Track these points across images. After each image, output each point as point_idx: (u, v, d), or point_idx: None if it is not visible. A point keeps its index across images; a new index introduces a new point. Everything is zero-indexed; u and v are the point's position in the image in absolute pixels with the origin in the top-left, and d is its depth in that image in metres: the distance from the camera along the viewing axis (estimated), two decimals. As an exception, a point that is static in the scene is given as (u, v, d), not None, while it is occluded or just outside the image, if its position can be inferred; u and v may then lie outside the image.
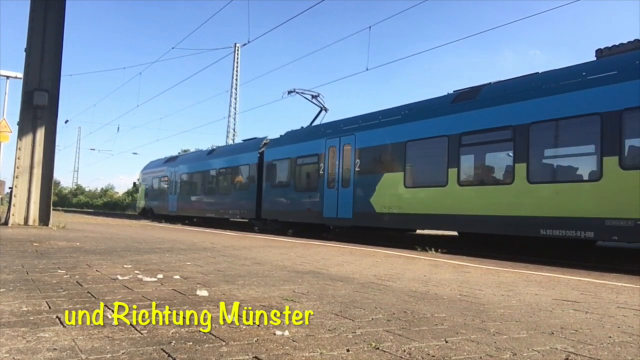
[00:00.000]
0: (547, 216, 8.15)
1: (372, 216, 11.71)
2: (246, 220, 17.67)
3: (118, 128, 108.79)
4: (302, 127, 16.22)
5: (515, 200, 8.71)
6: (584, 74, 7.97)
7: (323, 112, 16.75)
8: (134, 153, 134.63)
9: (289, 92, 17.43)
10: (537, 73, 9.26)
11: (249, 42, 20.58)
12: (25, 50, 11.36)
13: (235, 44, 37.14)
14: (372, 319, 2.64)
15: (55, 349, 1.84)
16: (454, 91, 10.76)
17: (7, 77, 20.48)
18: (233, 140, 36.64)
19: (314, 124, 16.42)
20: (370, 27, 17.66)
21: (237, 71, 37.31)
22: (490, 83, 10.12)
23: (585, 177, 7.92)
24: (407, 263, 6.09)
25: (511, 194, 8.80)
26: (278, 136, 16.85)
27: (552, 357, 2.02)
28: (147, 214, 26.60)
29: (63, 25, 11.64)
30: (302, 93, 17.15)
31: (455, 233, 11.58)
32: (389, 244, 11.21)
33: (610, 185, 7.35)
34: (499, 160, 9.49)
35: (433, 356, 1.96)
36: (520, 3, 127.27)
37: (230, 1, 20.62)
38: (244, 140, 20.44)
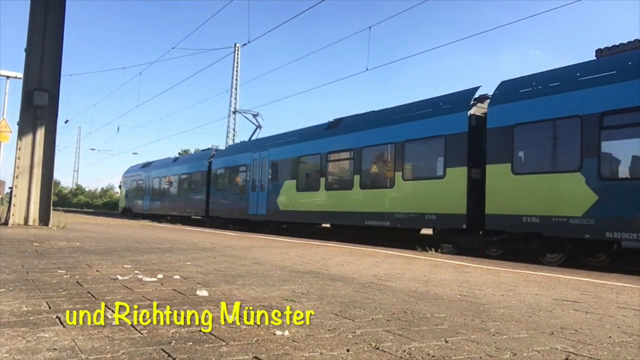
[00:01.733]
0: (369, 212, 12.06)
1: (278, 213, 15.60)
2: (199, 217, 21.37)
3: (118, 128, 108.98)
4: (240, 142, 19.90)
5: (353, 201, 12.63)
6: (398, 115, 11.92)
7: (258, 129, 20.89)
8: (134, 153, 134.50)
9: (234, 112, 22.70)
10: (374, 111, 13.32)
11: (249, 42, 20.62)
12: (25, 50, 11.36)
13: (235, 44, 37.11)
14: (372, 319, 2.64)
15: (55, 349, 1.84)
16: (329, 121, 14.69)
17: (7, 77, 20.47)
18: (233, 140, 36.66)
19: (252, 138, 20.45)
20: (370, 27, 17.73)
21: (237, 71, 37.30)
22: (350, 116, 14.13)
23: (387, 186, 11.70)
24: (407, 263, 6.09)
25: (352, 196, 12.73)
26: (223, 148, 20.98)
27: (552, 357, 2.02)
28: (126, 212, 30.27)
29: (63, 25, 11.64)
30: (243, 113, 21.57)
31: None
32: (388, 244, 11.22)
33: (398, 191, 11.30)
34: (347, 172, 13.24)
35: (433, 356, 1.96)
36: (520, 3, 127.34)
37: (230, 1, 20.64)
38: (202, 150, 24.49)
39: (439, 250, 8.34)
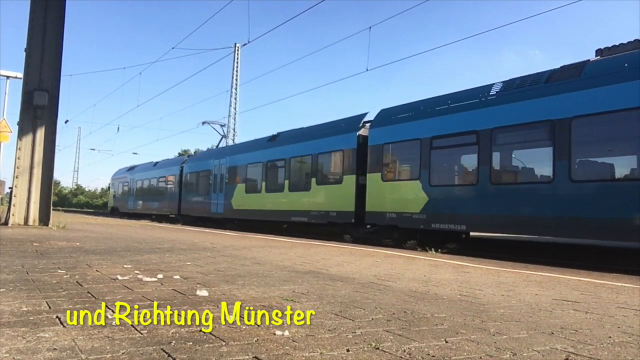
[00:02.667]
0: (294, 210, 15.09)
1: (232, 211, 18.46)
2: (173, 216, 24.16)
3: (118, 128, 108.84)
4: (207, 149, 23.42)
5: (284, 201, 15.61)
6: (316, 132, 15.13)
7: (224, 138, 25.20)
8: (134, 153, 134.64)
9: (203, 123, 25.71)
10: (302, 128, 16.32)
11: (249, 42, 20.63)
12: (25, 50, 11.36)
13: (235, 44, 37.12)
14: (372, 319, 2.64)
15: (55, 349, 1.84)
16: (272, 134, 17.46)
17: (7, 77, 20.48)
18: (233, 140, 36.68)
19: (219, 146, 24.47)
20: (370, 27, 17.77)
21: (237, 71, 37.30)
22: (286, 131, 16.94)
23: (306, 189, 14.77)
24: (407, 263, 6.09)
25: (282, 197, 15.72)
26: (195, 154, 24.95)
27: (552, 357, 2.02)
28: (114, 212, 33.06)
29: (63, 25, 11.64)
30: (212, 123, 25.44)
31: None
32: (388, 244, 11.23)
33: (313, 194, 14.44)
34: (280, 177, 16.11)
35: (433, 356, 1.96)
36: (520, 3, 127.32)
37: (231, 1, 20.64)
38: (178, 155, 28.62)
39: (439, 250, 8.36)
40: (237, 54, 36.94)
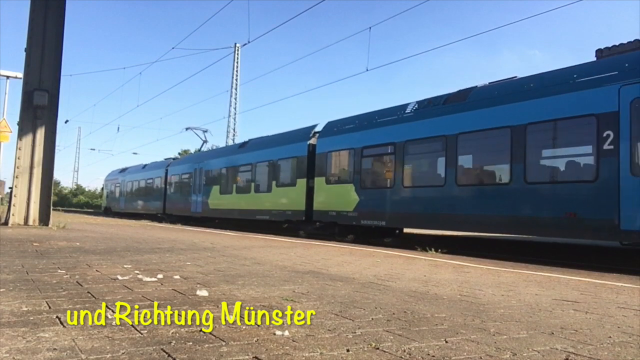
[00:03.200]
0: (259, 209, 16.95)
1: (209, 210, 20.57)
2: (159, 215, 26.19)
3: (118, 128, 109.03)
4: (189, 154, 24.96)
5: (250, 201, 17.54)
6: (275, 141, 17.13)
7: (205, 143, 27.27)
8: (134, 153, 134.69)
9: (187, 129, 28.51)
10: (268, 135, 18.43)
11: (249, 42, 20.61)
12: (25, 50, 11.36)
13: (235, 44, 37.17)
14: (372, 319, 2.64)
15: (55, 349, 1.84)
16: (243, 141, 20.09)
17: (7, 77, 20.47)
18: (233, 140, 36.68)
19: (202, 150, 26.99)
20: (370, 27, 17.81)
21: (237, 71, 37.32)
22: (255, 138, 19.11)
23: (268, 191, 16.55)
24: (407, 263, 6.09)
25: (249, 198, 17.67)
26: (180, 158, 27.56)
27: (552, 357, 2.02)
28: (107, 211, 35.13)
29: (63, 25, 11.64)
30: (195, 129, 27.47)
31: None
32: (388, 244, 11.24)
33: (274, 195, 16.17)
34: (248, 180, 18.06)
35: (433, 356, 1.96)
36: (520, 3, 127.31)
37: (231, 1, 20.63)
38: (165, 159, 30.08)
39: (439, 250, 8.36)
40: (237, 54, 36.96)
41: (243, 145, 19.48)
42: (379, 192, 12.22)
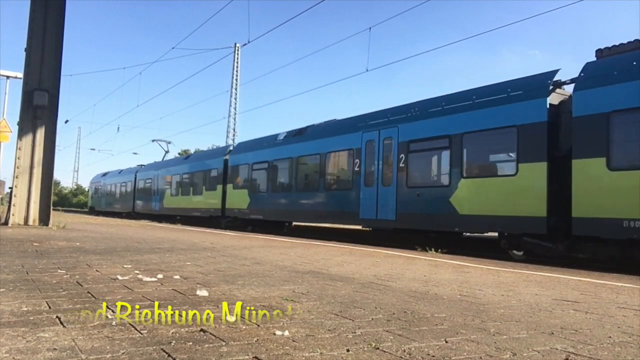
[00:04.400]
0: (194, 207, 21.42)
1: (164, 209, 25.29)
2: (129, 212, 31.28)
3: (118, 128, 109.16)
4: (154, 162, 30.73)
5: (189, 201, 22.09)
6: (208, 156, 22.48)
7: (167, 153, 32.21)
8: (134, 153, 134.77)
9: (153, 141, 33.07)
10: (202, 151, 31.46)
11: (249, 42, 20.58)
12: (25, 50, 11.35)
13: (235, 44, 37.18)
14: (372, 319, 2.64)
15: (55, 349, 1.84)
16: (186, 155, 27.71)
17: (7, 77, 20.46)
18: (233, 140, 36.70)
19: (165, 159, 31.53)
20: (370, 28, 17.81)
21: (237, 71, 37.32)
22: (194, 153, 29.36)
23: (200, 194, 21.14)
24: (407, 263, 6.09)
25: (189, 199, 22.19)
26: (147, 164, 31.76)
27: (552, 357, 2.02)
28: (92, 210, 40.27)
29: (63, 25, 11.63)
30: (159, 141, 32.55)
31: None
32: (388, 244, 11.23)
33: (204, 197, 20.67)
34: (188, 185, 22.78)
35: (433, 356, 1.96)
36: (520, 3, 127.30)
37: (231, 1, 20.64)
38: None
39: (439, 250, 8.36)
40: (237, 54, 36.95)
41: (187, 157, 26.23)
42: (259, 195, 16.85)
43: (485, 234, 11.21)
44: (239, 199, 17.88)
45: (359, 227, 14.32)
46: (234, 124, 37.98)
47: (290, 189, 15.31)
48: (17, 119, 11.38)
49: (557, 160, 8.27)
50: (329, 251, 7.53)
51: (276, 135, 16.79)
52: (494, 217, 9.19)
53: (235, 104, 37.81)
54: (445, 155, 10.39)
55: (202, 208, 20.78)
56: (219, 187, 19.46)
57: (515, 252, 9.40)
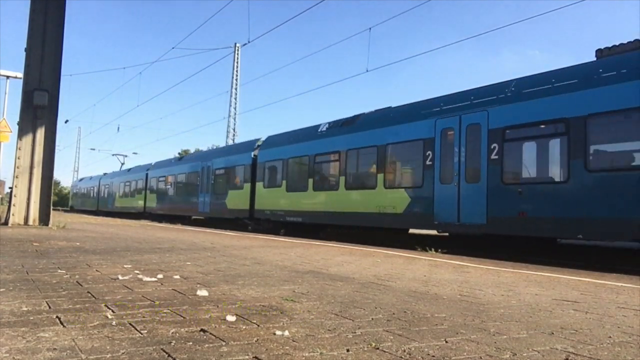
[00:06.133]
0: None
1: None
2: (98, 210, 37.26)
3: (118, 128, 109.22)
4: (119, 170, 36.39)
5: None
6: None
7: (122, 164, 38.71)
8: (134, 153, 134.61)
9: (113, 155, 40.20)
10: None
11: (249, 42, 20.61)
12: (25, 50, 11.35)
13: (235, 44, 37.13)
14: (372, 319, 2.64)
15: (55, 349, 1.84)
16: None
17: (7, 77, 20.46)
18: (233, 140, 36.70)
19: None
20: (370, 28, 17.79)
21: (237, 71, 37.30)
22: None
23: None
24: (407, 263, 6.09)
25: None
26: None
27: (552, 357, 2.02)
28: (72, 209, 48.65)
29: (63, 25, 11.63)
30: (117, 155, 39.35)
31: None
32: (389, 244, 11.23)
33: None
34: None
35: (433, 356, 1.96)
36: (520, 3, 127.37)
37: (231, 1, 20.65)
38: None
39: (439, 250, 8.36)
40: (237, 54, 36.94)
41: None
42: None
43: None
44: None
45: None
46: (234, 124, 37.98)
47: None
48: (17, 119, 11.40)
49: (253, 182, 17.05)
50: (329, 251, 7.53)
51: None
52: None
53: (235, 104, 37.81)
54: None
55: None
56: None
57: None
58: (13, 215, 10.88)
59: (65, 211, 45.81)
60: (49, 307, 2.59)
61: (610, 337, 2.45)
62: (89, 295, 3.00)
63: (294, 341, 2.10)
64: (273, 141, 17.15)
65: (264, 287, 3.59)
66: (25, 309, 2.53)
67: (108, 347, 1.88)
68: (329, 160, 13.94)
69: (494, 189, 9.15)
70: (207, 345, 1.98)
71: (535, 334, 2.42)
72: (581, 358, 2.03)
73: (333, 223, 13.93)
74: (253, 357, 1.84)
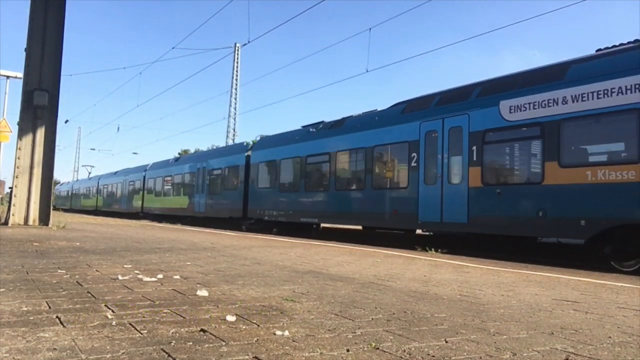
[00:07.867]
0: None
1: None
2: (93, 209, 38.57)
3: (118, 128, 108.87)
4: (106, 173, 38.90)
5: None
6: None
7: (90, 173, 42.91)
8: (134, 153, 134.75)
9: (82, 166, 44.48)
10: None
11: (249, 42, 20.55)
12: (25, 50, 11.36)
13: (235, 44, 37.12)
14: (372, 319, 2.64)
15: (55, 349, 1.84)
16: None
17: (7, 77, 20.45)
18: (233, 140, 36.69)
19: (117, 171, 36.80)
20: (370, 28, 17.78)
21: (237, 71, 37.29)
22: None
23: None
24: (407, 263, 6.09)
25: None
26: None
27: (552, 357, 2.02)
28: (56, 208, 48.89)
29: (63, 25, 11.64)
30: (87, 166, 41.93)
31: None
32: (389, 244, 11.23)
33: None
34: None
35: (433, 356, 1.96)
36: (520, 3, 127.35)
37: (231, 1, 20.63)
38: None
39: (439, 250, 8.36)
40: (237, 54, 36.93)
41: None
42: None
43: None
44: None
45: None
46: (234, 124, 37.98)
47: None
48: (17, 119, 11.40)
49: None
50: (329, 251, 7.53)
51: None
52: None
53: (235, 104, 37.80)
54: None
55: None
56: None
57: None
58: (13, 215, 10.88)
59: (65, 211, 46.99)
60: (49, 307, 2.59)
61: (610, 337, 2.45)
62: (89, 295, 3.00)
63: (294, 341, 2.09)
64: (266, 142, 17.53)
65: (264, 287, 3.59)
66: (25, 309, 2.53)
67: (108, 347, 1.88)
68: (319, 161, 14.26)
69: (474, 190, 9.43)
70: (207, 345, 1.98)
71: (535, 334, 2.42)
72: (581, 358, 2.03)
73: (324, 223, 14.82)
74: (253, 357, 1.84)
